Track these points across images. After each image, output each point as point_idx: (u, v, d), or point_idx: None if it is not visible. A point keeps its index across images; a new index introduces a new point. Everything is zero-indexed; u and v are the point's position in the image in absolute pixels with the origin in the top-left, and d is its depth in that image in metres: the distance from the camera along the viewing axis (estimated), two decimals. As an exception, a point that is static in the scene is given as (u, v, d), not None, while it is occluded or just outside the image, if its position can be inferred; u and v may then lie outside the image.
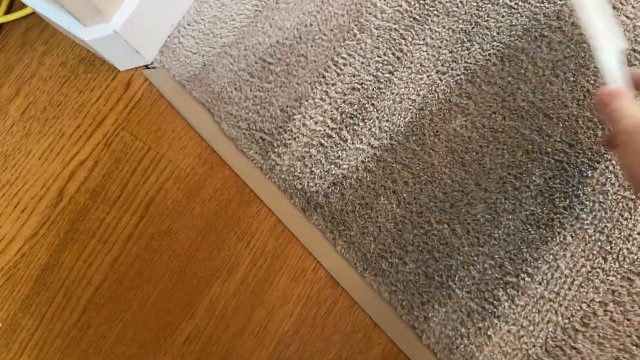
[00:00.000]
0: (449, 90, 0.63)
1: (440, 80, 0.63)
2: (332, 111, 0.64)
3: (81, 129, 0.70)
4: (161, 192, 0.66)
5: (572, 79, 0.61)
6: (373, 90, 0.64)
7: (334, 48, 0.66)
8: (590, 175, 0.58)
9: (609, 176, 0.58)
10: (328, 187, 0.62)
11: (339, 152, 0.63)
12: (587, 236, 0.57)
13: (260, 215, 0.64)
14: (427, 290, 0.58)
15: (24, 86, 0.73)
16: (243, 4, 0.69)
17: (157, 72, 0.69)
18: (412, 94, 0.63)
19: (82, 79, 0.72)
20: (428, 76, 0.64)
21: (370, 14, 0.66)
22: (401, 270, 0.58)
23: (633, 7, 0.62)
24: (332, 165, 0.63)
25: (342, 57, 0.65)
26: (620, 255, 0.56)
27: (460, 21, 0.65)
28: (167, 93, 0.69)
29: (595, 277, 0.55)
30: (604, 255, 0.56)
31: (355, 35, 0.66)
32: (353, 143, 0.63)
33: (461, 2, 0.66)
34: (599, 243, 0.56)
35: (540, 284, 0.56)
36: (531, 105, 0.61)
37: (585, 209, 0.57)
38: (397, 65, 0.65)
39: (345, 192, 0.62)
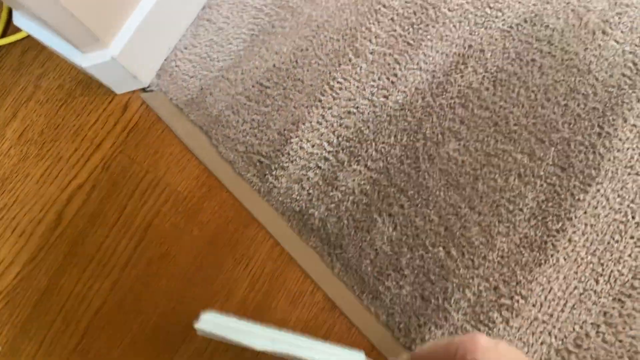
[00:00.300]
0: (443, 114, 0.64)
1: (434, 102, 0.64)
2: (328, 134, 0.65)
3: (79, 152, 0.70)
4: (159, 215, 0.67)
5: (563, 102, 0.62)
6: (369, 114, 0.65)
7: (330, 72, 0.67)
8: (582, 198, 0.59)
9: (600, 199, 0.59)
10: (325, 210, 0.63)
11: (336, 174, 0.64)
12: (579, 258, 0.58)
13: (258, 238, 0.65)
14: (423, 312, 0.59)
15: (21, 109, 0.73)
16: (239, 28, 0.70)
17: (155, 96, 0.70)
18: (408, 117, 0.64)
19: (79, 102, 0.72)
20: (423, 99, 0.65)
21: (365, 38, 0.67)
22: (398, 293, 0.59)
23: (622, 32, 0.64)
24: (330, 188, 0.64)
25: (338, 82, 0.66)
26: (611, 277, 0.57)
27: (454, 45, 0.66)
28: (164, 116, 0.69)
29: (587, 299, 0.57)
30: (595, 277, 0.57)
31: (350, 60, 0.67)
32: (350, 165, 0.64)
33: (454, 26, 0.67)
34: (591, 265, 0.58)
35: (534, 305, 0.57)
36: (523, 128, 0.62)
37: (577, 232, 0.58)
38: (391, 90, 0.66)
39: (342, 215, 0.63)
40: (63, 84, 0.73)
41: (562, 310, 0.57)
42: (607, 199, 0.59)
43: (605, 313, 0.56)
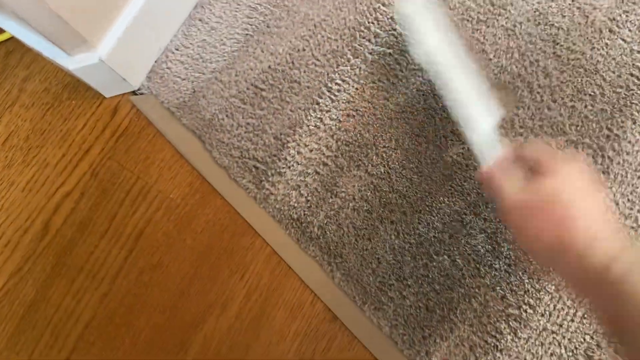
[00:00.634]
0: (445, 116, 0.61)
1: (437, 104, 0.62)
2: (327, 138, 0.63)
3: (66, 158, 0.67)
4: (151, 223, 0.64)
5: (570, 104, 0.60)
6: (369, 116, 0.63)
7: (328, 74, 0.64)
8: (590, 203, 0.57)
9: (610, 204, 0.57)
10: (324, 217, 0.61)
11: (336, 180, 0.61)
12: (588, 266, 0.56)
13: (254, 247, 0.62)
14: (428, 324, 0.56)
15: (5, 114, 0.70)
16: (233, 28, 0.67)
17: (145, 99, 0.67)
18: (409, 120, 0.62)
19: (66, 106, 0.69)
20: (425, 100, 0.62)
21: (364, 38, 0.65)
22: (402, 303, 0.57)
23: (629, 30, 0.62)
24: (329, 194, 0.61)
25: (336, 83, 0.64)
26: (622, 285, 0.55)
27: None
28: (155, 120, 0.66)
29: (598, 308, 0.55)
30: (606, 285, 0.55)
31: (349, 61, 0.64)
32: (350, 170, 0.62)
33: (456, 24, 0.64)
34: (601, 273, 0.55)
35: (542, 315, 0.55)
36: (530, 131, 0.60)
37: (586, 238, 0.56)
38: (392, 91, 0.63)
39: (342, 222, 0.60)
40: (49, 87, 0.70)
41: (572, 320, 0.55)
42: (617, 204, 0.57)
43: (616, 323, 0.54)
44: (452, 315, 0.56)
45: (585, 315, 0.55)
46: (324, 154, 0.62)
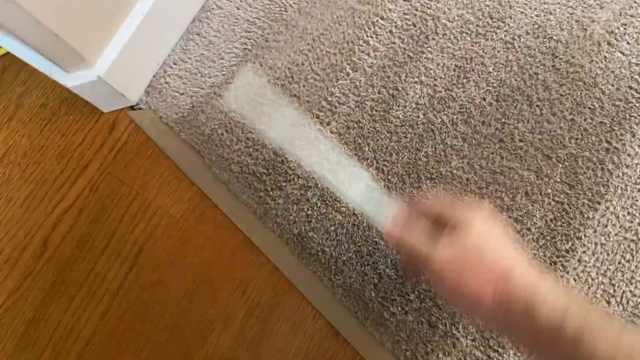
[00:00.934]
0: (445, 130, 0.62)
1: (436, 119, 0.62)
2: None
3: (65, 174, 0.67)
4: (151, 240, 0.64)
5: (569, 117, 0.60)
6: (369, 129, 0.63)
7: (327, 87, 0.64)
8: (591, 216, 0.57)
9: (610, 217, 0.57)
10: (325, 232, 0.60)
11: (336, 195, 0.61)
12: (590, 279, 0.56)
13: (255, 263, 0.62)
14: (431, 339, 0.56)
15: (2, 130, 0.69)
16: (231, 42, 0.67)
17: (144, 114, 0.67)
18: (409, 134, 0.62)
19: (64, 121, 0.69)
20: (424, 114, 0.62)
21: (363, 52, 0.65)
22: (404, 319, 0.57)
23: (628, 43, 0.62)
24: (329, 209, 0.61)
25: (336, 97, 0.64)
26: (623, 299, 0.55)
27: (455, 57, 0.64)
28: (154, 135, 0.66)
29: (599, 322, 0.55)
30: (607, 298, 0.55)
31: (348, 75, 0.64)
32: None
33: (455, 37, 0.65)
34: (602, 286, 0.56)
35: (544, 329, 0.55)
36: (529, 145, 0.60)
37: (587, 252, 0.56)
38: (392, 104, 0.63)
39: (343, 238, 0.60)
40: (46, 103, 0.70)
41: (574, 334, 0.55)
42: (617, 217, 0.57)
43: (618, 336, 0.54)
44: (455, 330, 0.56)
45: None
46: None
